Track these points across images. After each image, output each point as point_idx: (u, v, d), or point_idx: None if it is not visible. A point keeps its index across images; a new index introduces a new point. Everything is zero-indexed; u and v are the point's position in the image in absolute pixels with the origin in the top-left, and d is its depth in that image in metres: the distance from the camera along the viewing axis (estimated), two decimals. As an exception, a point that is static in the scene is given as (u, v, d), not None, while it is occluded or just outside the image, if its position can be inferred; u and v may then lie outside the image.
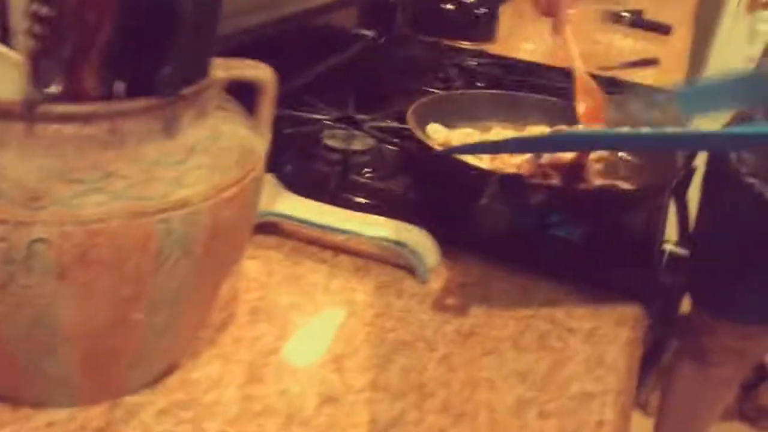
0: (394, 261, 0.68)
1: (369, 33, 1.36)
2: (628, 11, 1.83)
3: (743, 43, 2.24)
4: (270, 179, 0.73)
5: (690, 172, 1.15)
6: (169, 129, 0.42)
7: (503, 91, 0.92)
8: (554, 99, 0.90)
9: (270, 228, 0.70)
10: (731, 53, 2.23)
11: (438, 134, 0.86)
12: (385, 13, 1.43)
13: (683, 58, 1.61)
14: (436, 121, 0.89)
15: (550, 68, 1.24)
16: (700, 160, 1.13)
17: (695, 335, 1.23)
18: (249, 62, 0.50)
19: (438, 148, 0.76)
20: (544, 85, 1.11)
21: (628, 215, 0.78)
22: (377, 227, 0.69)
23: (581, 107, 0.85)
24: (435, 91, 1.07)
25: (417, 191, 0.80)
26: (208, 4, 0.43)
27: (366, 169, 0.83)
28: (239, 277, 0.64)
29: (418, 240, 0.68)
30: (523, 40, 1.61)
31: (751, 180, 1.02)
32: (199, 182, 0.42)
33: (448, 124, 0.89)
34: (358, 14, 1.36)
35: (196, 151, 0.43)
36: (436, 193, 0.78)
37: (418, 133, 0.78)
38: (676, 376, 1.31)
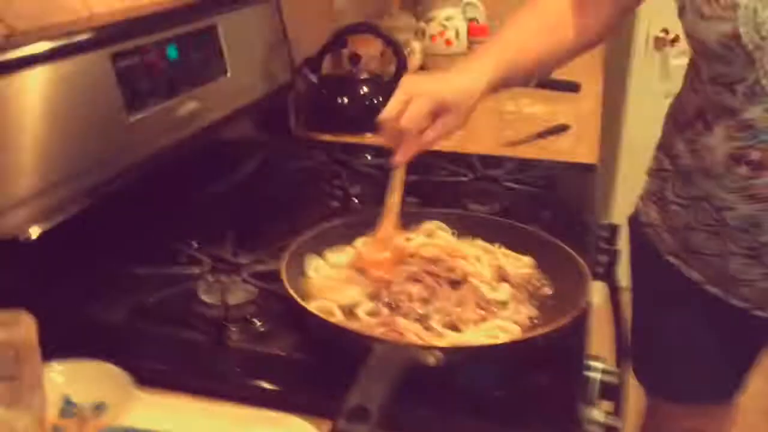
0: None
1: (263, 142, 1.29)
2: (535, 70, 1.79)
3: (657, 80, 2.23)
4: (120, 379, 0.63)
5: (613, 255, 1.09)
6: None
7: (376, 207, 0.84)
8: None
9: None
10: (647, 92, 2.21)
11: (315, 272, 0.78)
12: (279, 118, 1.36)
13: (596, 117, 1.57)
14: (317, 252, 0.80)
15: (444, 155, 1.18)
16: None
17: (655, 423, 1.15)
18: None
19: (307, 306, 0.67)
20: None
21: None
22: (241, 429, 0.58)
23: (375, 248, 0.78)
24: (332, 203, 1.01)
25: (304, 351, 0.71)
26: None
27: (245, 328, 0.74)
28: None
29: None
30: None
31: (672, 259, 0.96)
32: None
33: (332, 247, 0.82)
34: (253, 124, 1.28)
35: None
36: (321, 355, 0.69)
37: (289, 290, 0.69)
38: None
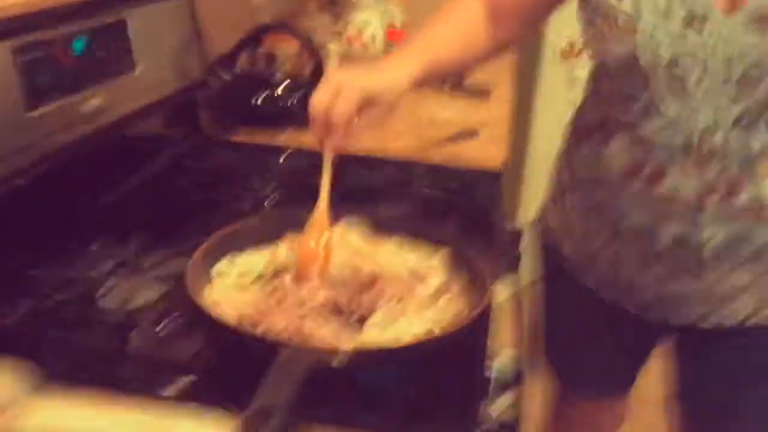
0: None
1: (172, 140, 1.26)
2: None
3: (564, 89, 2.33)
4: (21, 380, 0.61)
5: (517, 256, 1.14)
6: None
7: (288, 209, 0.85)
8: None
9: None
10: (555, 100, 2.31)
11: (224, 276, 0.78)
12: (190, 115, 1.34)
13: (504, 123, 1.62)
14: (227, 255, 0.80)
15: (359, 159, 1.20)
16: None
17: (560, 408, 1.21)
18: None
19: (213, 313, 0.67)
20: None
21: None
22: (147, 426, 0.58)
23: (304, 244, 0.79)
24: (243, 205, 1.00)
25: (208, 357, 0.71)
26: None
27: (145, 332, 0.73)
28: None
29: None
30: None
31: (569, 264, 1.01)
32: None
33: (242, 249, 0.82)
34: (164, 121, 1.26)
35: None
36: (227, 361, 0.69)
37: (193, 295, 0.68)
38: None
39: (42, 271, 0.79)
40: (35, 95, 0.82)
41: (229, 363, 0.68)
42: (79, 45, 0.90)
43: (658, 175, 0.82)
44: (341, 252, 0.80)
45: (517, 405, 0.86)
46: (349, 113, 0.78)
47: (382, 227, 0.87)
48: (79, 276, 0.80)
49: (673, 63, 0.75)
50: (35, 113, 0.82)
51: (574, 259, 1.00)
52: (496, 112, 1.66)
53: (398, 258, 0.83)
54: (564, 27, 2.20)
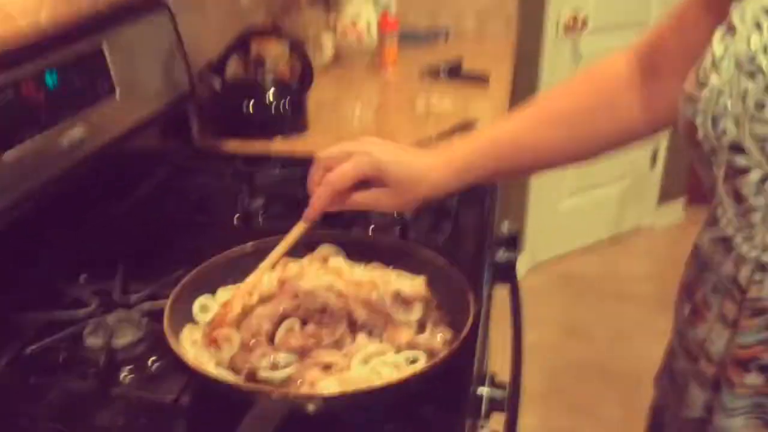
0: None
1: (160, 158, 1.25)
2: (447, 62, 1.80)
3: (568, 66, 2.27)
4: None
5: (513, 258, 1.11)
6: None
7: (264, 240, 0.81)
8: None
9: None
10: (559, 77, 2.25)
11: (203, 313, 0.77)
12: (180, 128, 1.32)
13: (503, 108, 1.59)
14: (206, 290, 0.79)
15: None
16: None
17: None
18: None
19: (187, 359, 0.66)
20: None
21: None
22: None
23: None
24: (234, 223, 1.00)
25: (191, 396, 0.70)
26: None
27: (131, 375, 0.73)
28: None
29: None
30: (337, 120, 1.54)
31: None
32: None
33: (224, 283, 0.80)
34: (151, 139, 1.25)
35: None
36: (205, 404, 0.69)
37: (171, 341, 0.67)
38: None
39: (24, 315, 0.79)
40: (5, 139, 0.81)
41: (209, 410, 0.67)
42: (51, 78, 0.89)
43: (703, 307, 0.64)
44: (322, 278, 0.79)
45: (510, 423, 0.85)
46: (344, 180, 0.70)
47: (361, 249, 0.85)
48: (63, 317, 0.80)
49: (735, 148, 0.54)
50: (7, 157, 0.81)
51: None
52: (495, 99, 1.63)
53: (382, 281, 0.81)
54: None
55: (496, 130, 0.75)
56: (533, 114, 0.75)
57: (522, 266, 2.60)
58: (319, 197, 0.72)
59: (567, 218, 2.74)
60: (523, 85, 2.16)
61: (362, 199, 0.72)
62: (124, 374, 0.73)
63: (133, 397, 0.71)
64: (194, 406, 0.69)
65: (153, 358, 0.75)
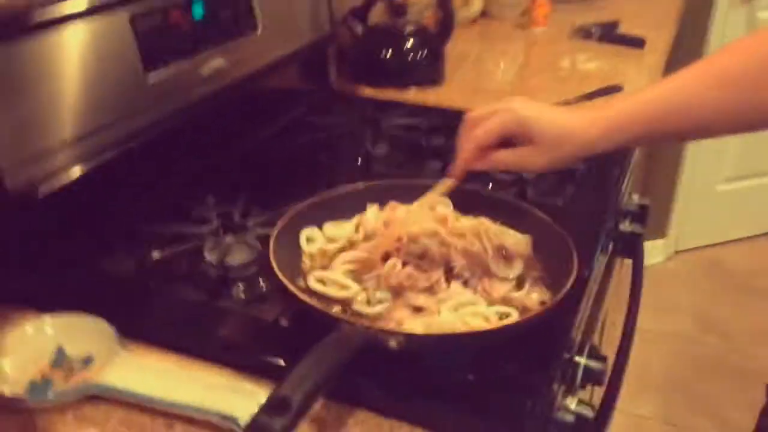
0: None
1: (298, 97, 1.29)
2: (600, 24, 1.70)
3: (742, 34, 2.07)
4: (108, 335, 0.67)
5: (639, 234, 1.05)
6: None
7: (377, 182, 0.84)
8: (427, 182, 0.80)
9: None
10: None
11: (310, 243, 0.80)
12: (318, 71, 1.36)
13: (656, 75, 1.48)
14: (313, 223, 0.82)
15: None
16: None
17: None
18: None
19: (288, 284, 0.69)
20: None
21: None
22: (214, 396, 0.62)
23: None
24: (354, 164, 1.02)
25: (289, 320, 0.74)
26: None
27: (241, 290, 0.78)
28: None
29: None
30: (476, 75, 1.51)
31: None
32: None
33: (332, 218, 0.83)
34: (288, 79, 1.29)
35: None
36: (301, 327, 0.71)
37: (274, 265, 0.70)
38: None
39: (154, 227, 0.86)
40: (152, 60, 0.87)
41: (302, 332, 0.70)
42: (198, 9, 0.94)
43: None
44: (427, 224, 0.79)
45: (606, 402, 0.82)
46: (488, 136, 0.70)
47: (470, 201, 0.84)
48: (187, 232, 0.86)
49: None
50: (151, 77, 0.87)
51: None
52: (649, 65, 1.52)
53: (485, 235, 0.79)
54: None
55: (651, 90, 0.69)
56: (694, 74, 0.68)
57: (664, 250, 2.45)
58: (464, 153, 0.72)
59: (721, 205, 2.53)
60: (686, 56, 1.99)
61: (507, 157, 0.72)
62: (234, 290, 0.78)
63: (238, 312, 0.75)
64: (291, 327, 0.72)
65: (261, 278, 0.79)
